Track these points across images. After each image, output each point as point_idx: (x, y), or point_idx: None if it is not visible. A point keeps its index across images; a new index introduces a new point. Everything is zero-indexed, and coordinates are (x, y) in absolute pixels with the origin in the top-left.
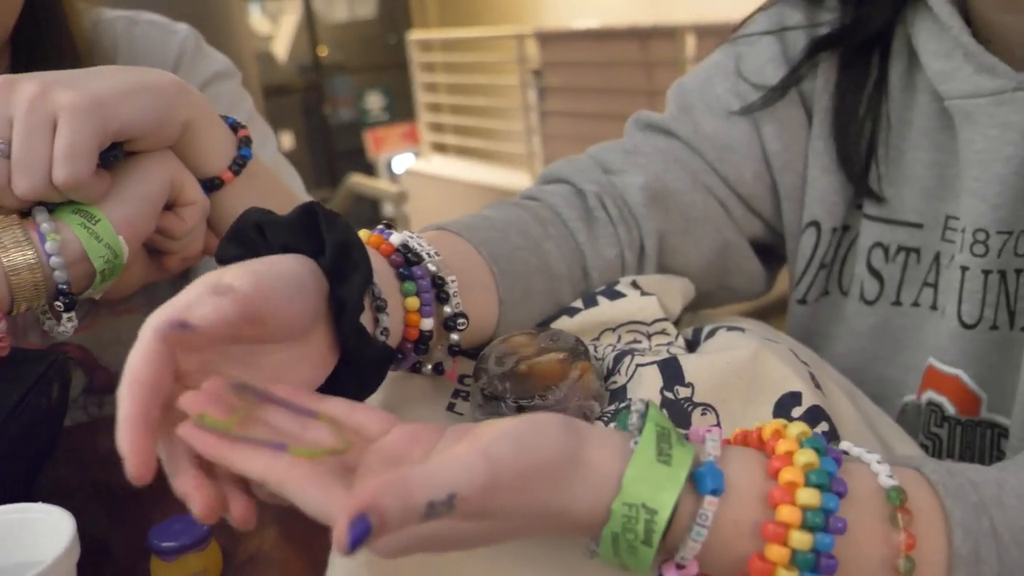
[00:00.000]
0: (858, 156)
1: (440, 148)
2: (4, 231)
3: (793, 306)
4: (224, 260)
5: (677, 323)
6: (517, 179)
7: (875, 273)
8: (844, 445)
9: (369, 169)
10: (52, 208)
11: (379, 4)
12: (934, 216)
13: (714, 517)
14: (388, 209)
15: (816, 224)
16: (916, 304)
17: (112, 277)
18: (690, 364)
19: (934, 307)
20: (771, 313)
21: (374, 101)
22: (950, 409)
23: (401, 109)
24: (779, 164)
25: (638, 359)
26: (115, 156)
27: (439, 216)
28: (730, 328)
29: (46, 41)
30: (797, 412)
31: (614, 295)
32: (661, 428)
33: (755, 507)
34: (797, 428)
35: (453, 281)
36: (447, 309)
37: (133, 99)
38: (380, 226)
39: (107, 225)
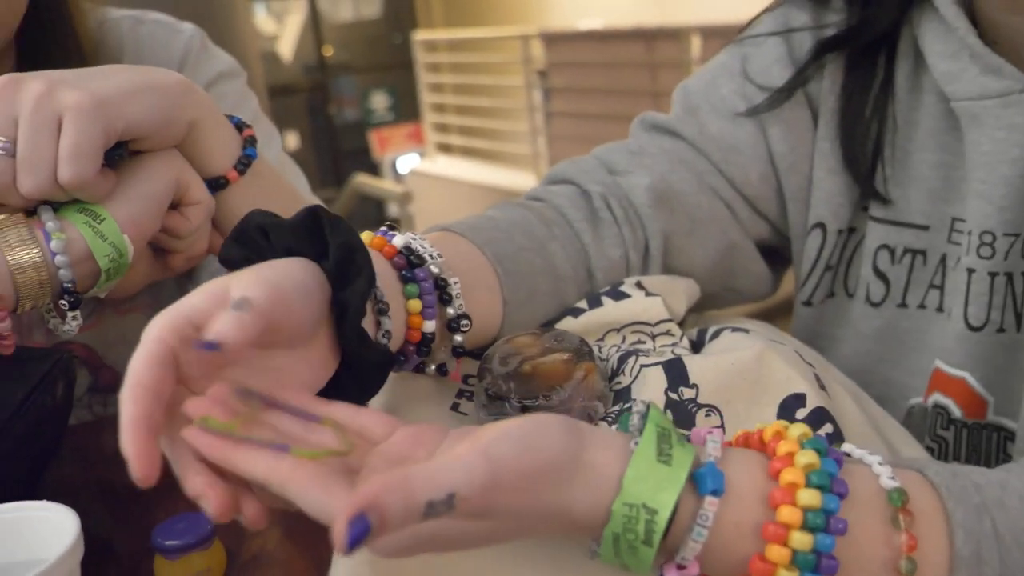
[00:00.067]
0: (864, 157)
1: (445, 148)
2: (9, 230)
3: (798, 308)
4: (227, 261)
5: (682, 324)
6: (522, 180)
7: (881, 275)
8: (846, 447)
9: (374, 169)
10: (57, 207)
11: (384, 4)
12: (940, 218)
13: (715, 518)
14: (393, 209)
15: (822, 226)
16: (922, 306)
17: (117, 276)
18: (695, 365)
19: (940, 309)
20: (776, 315)
21: (379, 101)
22: (956, 412)
23: (406, 109)
24: (785, 165)
25: (642, 360)
26: (120, 155)
27: (444, 216)
28: (735, 329)
29: (51, 40)
30: (801, 414)
31: (619, 296)
32: (662, 429)
33: (756, 508)
34: (798, 429)
35: (456, 283)
36: (450, 311)
37: (138, 98)
38: (383, 228)
39: (112, 224)
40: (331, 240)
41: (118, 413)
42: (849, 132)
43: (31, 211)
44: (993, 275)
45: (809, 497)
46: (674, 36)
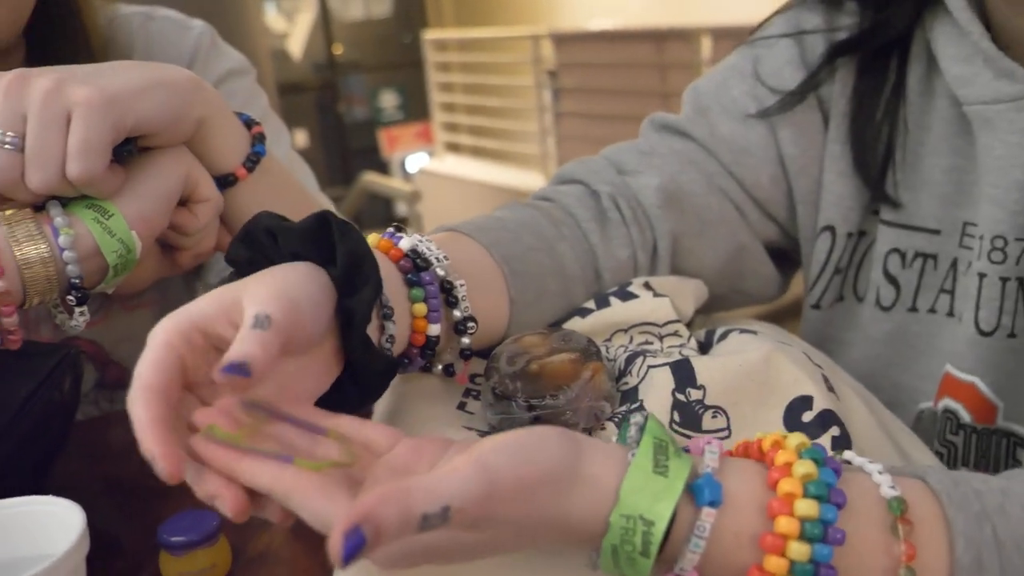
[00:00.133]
0: (875, 161)
1: (454, 148)
2: (18, 225)
3: (807, 311)
4: (233, 261)
5: (689, 325)
6: (531, 180)
7: (891, 279)
8: (847, 454)
9: (383, 168)
10: (66, 202)
11: (395, 3)
12: (952, 222)
13: (712, 528)
14: (401, 208)
15: (831, 229)
16: (932, 311)
17: (124, 272)
18: (702, 366)
19: (951, 314)
20: (784, 317)
21: (388, 100)
22: (966, 417)
23: (415, 108)
24: (795, 168)
25: (650, 360)
26: (129, 151)
27: (452, 215)
28: (743, 331)
29: (60, 36)
30: (808, 416)
31: (626, 296)
32: (659, 440)
33: (754, 518)
34: (796, 439)
35: (462, 285)
36: (456, 313)
37: (148, 95)
38: (390, 229)
39: (120, 220)
40: (339, 247)
41: (125, 410)
42: (860, 135)
43: (39, 206)
44: (1004, 280)
45: (806, 507)
46: (684, 37)
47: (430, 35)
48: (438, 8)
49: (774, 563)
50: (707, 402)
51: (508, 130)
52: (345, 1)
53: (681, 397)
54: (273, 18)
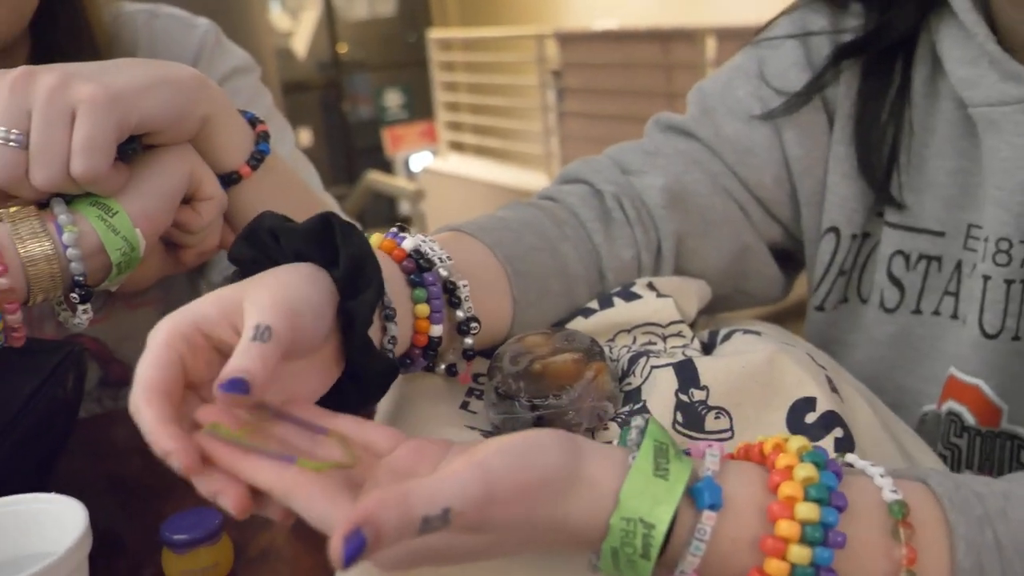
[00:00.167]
0: (879, 163)
1: (458, 147)
2: (22, 222)
3: (811, 313)
4: (237, 260)
5: (693, 326)
6: (534, 180)
7: (895, 281)
8: (849, 458)
9: (387, 167)
10: (70, 200)
11: (399, 2)
12: (956, 224)
13: (713, 532)
14: (405, 207)
15: (835, 230)
16: (937, 313)
17: (128, 270)
18: (706, 367)
19: (955, 316)
20: (788, 318)
21: (393, 99)
22: (970, 419)
23: (420, 107)
24: (799, 169)
25: (653, 361)
26: (133, 149)
27: (456, 215)
28: (746, 331)
29: (65, 33)
30: (811, 418)
31: (630, 296)
32: (659, 443)
33: (754, 522)
34: (797, 442)
35: (465, 286)
36: (459, 314)
37: (152, 93)
38: (393, 229)
39: (124, 218)
40: (342, 250)
41: (127, 408)
42: (865, 137)
43: (44, 203)
44: (1009, 282)
45: (807, 511)
46: (689, 37)
47: (434, 34)
48: (442, 7)
49: (775, 566)
50: (710, 403)
51: (512, 129)
52: (350, 0)
53: (684, 398)
54: (278, 16)
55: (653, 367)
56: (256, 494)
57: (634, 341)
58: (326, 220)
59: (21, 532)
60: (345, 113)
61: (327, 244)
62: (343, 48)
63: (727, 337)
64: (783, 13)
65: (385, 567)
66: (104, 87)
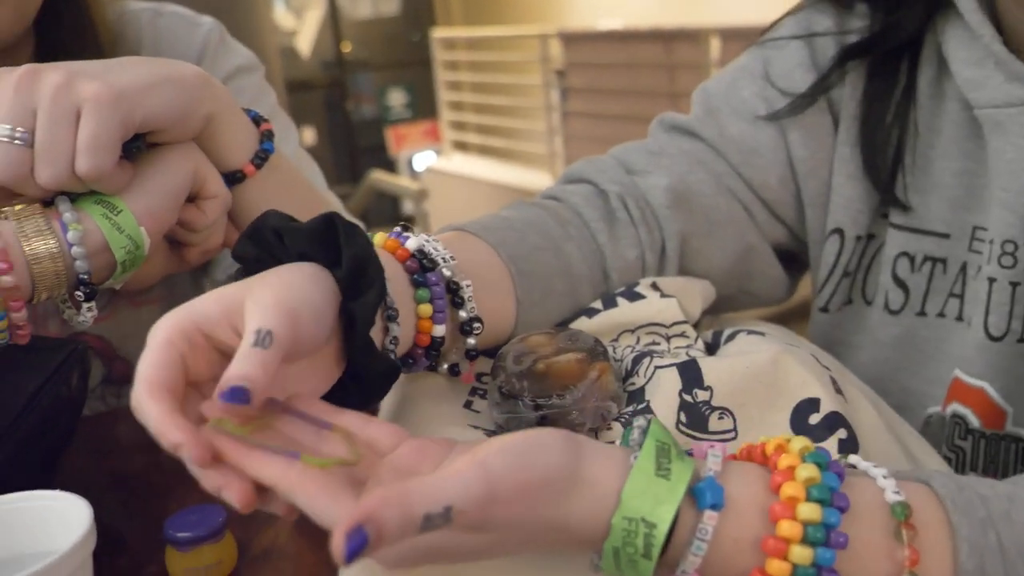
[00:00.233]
0: (884, 164)
1: (461, 146)
2: (27, 220)
3: (815, 314)
4: (241, 258)
5: (697, 326)
6: (538, 179)
7: (900, 283)
8: (852, 459)
9: (390, 166)
10: (75, 198)
11: (403, 1)
12: (961, 226)
13: (714, 532)
14: (408, 206)
15: (840, 231)
16: (941, 315)
17: (132, 268)
18: (709, 367)
19: (960, 318)
20: (792, 319)
21: (397, 98)
22: (974, 422)
23: (423, 107)
24: (804, 170)
25: (657, 361)
26: (138, 148)
27: (459, 214)
28: (750, 332)
29: (69, 31)
30: (815, 418)
31: (634, 297)
32: (661, 443)
33: (756, 522)
34: (800, 443)
35: (468, 286)
36: (462, 314)
37: (157, 91)
38: (397, 229)
39: (129, 216)
40: (345, 251)
41: (131, 405)
42: (870, 138)
43: (48, 201)
44: (1015, 284)
45: (809, 511)
46: (693, 37)
47: (438, 33)
48: (446, 6)
49: (776, 567)
50: (714, 403)
51: (516, 129)
52: None
53: (688, 398)
54: (282, 15)
55: (657, 367)
56: (260, 489)
57: (638, 341)
58: (329, 220)
59: (25, 529)
60: (349, 112)
61: (330, 244)
62: (347, 47)
63: (731, 337)
64: (788, 14)
65: (387, 565)
66: (109, 85)
